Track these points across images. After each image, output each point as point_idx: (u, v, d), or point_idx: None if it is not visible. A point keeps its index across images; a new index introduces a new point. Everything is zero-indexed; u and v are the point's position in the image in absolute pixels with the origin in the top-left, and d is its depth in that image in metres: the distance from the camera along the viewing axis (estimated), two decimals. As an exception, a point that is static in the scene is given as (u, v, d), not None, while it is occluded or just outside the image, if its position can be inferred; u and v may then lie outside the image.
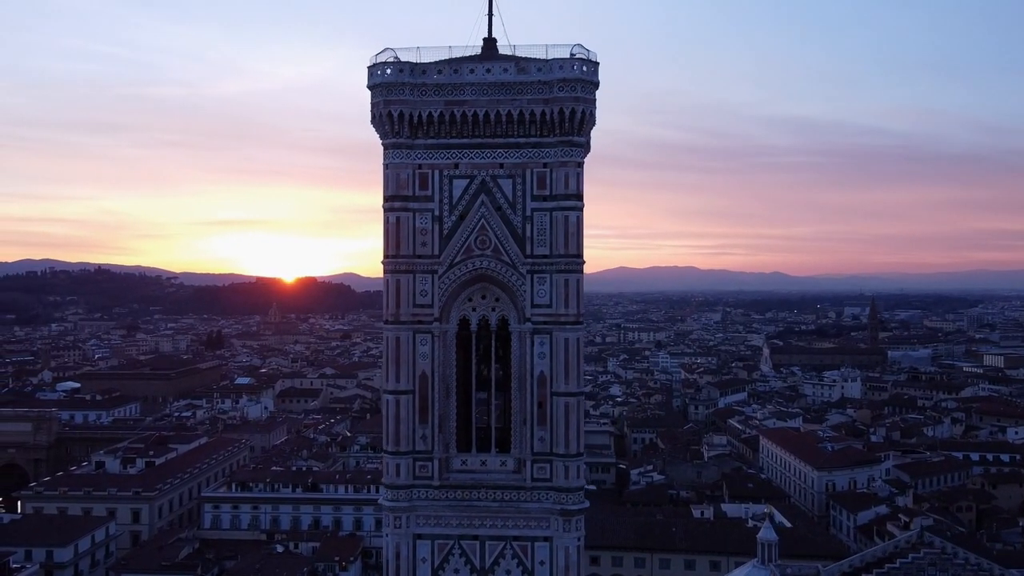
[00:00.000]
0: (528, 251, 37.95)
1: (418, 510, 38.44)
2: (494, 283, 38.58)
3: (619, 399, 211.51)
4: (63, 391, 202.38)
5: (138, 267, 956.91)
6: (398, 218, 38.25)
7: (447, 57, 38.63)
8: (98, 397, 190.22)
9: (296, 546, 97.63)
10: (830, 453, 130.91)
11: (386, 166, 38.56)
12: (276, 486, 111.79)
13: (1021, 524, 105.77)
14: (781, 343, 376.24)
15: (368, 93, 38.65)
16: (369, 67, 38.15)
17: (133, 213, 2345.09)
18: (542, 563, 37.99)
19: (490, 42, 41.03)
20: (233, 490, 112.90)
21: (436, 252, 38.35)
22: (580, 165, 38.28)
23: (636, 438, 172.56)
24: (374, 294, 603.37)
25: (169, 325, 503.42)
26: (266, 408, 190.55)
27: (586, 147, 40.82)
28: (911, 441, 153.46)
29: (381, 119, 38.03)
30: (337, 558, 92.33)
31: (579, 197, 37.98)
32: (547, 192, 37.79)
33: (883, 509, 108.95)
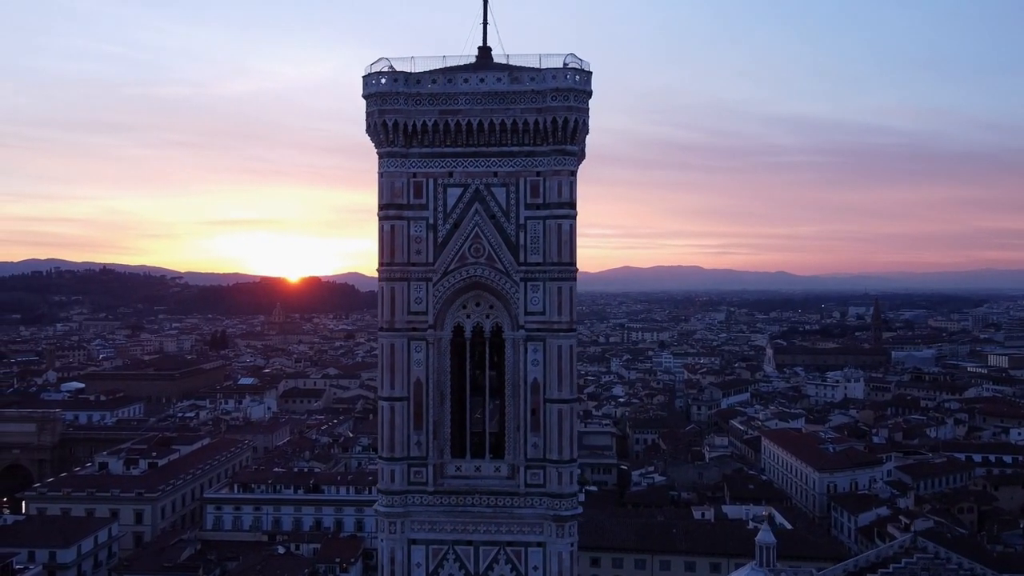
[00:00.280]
0: (521, 259, 38.27)
1: (413, 515, 38.79)
2: (488, 291, 38.89)
3: (621, 400, 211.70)
4: (67, 391, 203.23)
5: (143, 267, 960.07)
6: (393, 226, 38.61)
7: (441, 66, 38.99)
8: (102, 398, 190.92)
9: (297, 547, 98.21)
10: (831, 454, 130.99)
11: (381, 174, 38.92)
12: (278, 487, 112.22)
13: (1022, 526, 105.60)
14: (785, 343, 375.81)
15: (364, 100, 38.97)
16: (364, 77, 38.51)
17: (138, 213, 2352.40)
18: (536, 568, 38.30)
19: (485, 50, 41.40)
20: (235, 491, 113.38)
21: (431, 260, 38.69)
22: (573, 174, 38.61)
23: (638, 439, 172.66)
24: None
25: (174, 325, 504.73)
26: (269, 409, 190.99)
27: (580, 156, 41.09)
28: (913, 442, 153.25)
29: (376, 128, 38.40)
30: (338, 559, 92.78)
31: (572, 205, 38.30)
32: (540, 200, 38.11)
33: (884, 511, 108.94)
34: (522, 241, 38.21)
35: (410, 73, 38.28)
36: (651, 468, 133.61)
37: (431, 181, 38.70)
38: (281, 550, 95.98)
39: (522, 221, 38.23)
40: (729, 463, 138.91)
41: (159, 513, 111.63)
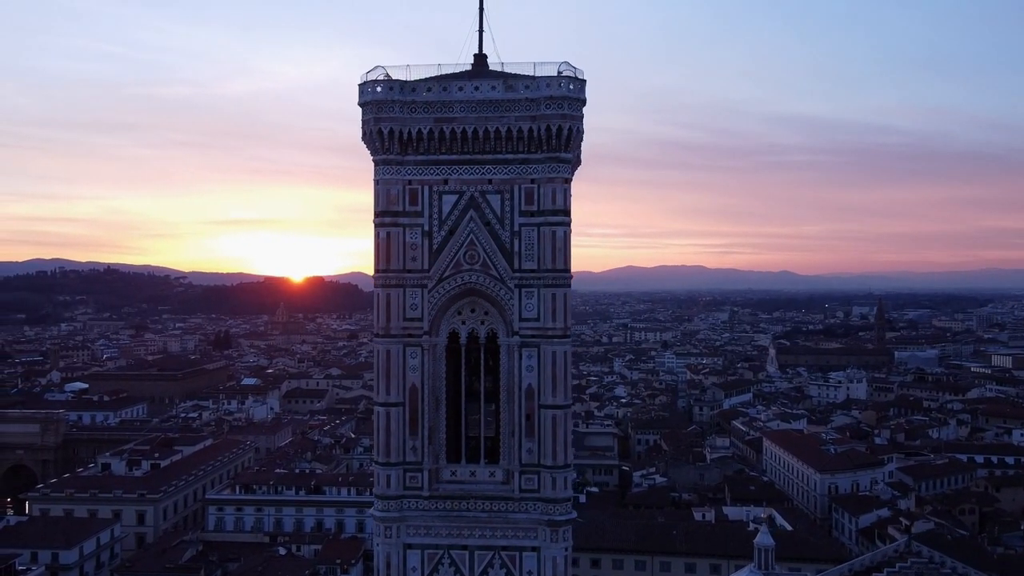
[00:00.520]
0: (516, 266, 38.45)
1: (408, 520, 39.03)
2: (483, 297, 39.12)
3: (624, 400, 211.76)
4: (71, 392, 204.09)
5: (147, 267, 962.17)
6: (388, 233, 38.84)
7: (437, 74, 39.19)
8: (105, 398, 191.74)
9: (298, 548, 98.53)
10: (833, 455, 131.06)
11: (377, 182, 39.14)
12: (279, 488, 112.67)
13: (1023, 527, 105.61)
14: (788, 343, 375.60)
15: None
16: (360, 85, 38.76)
17: (142, 213, 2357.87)
18: (530, 573, 38.48)
19: (480, 58, 41.58)
20: (237, 492, 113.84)
21: (426, 267, 38.92)
22: (567, 181, 38.81)
23: (640, 439, 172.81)
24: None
25: (177, 325, 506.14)
26: (272, 409, 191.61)
27: (575, 163, 41.31)
28: (915, 443, 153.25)
29: (371, 136, 38.65)
30: (339, 561, 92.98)
31: (566, 213, 38.49)
32: (535, 208, 38.29)
33: (885, 512, 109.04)
34: (517, 248, 38.41)
35: (405, 81, 38.50)
36: (652, 469, 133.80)
37: (426, 188, 38.94)
38: (282, 551, 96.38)
39: (517, 228, 38.42)
40: (730, 464, 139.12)
41: (161, 514, 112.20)
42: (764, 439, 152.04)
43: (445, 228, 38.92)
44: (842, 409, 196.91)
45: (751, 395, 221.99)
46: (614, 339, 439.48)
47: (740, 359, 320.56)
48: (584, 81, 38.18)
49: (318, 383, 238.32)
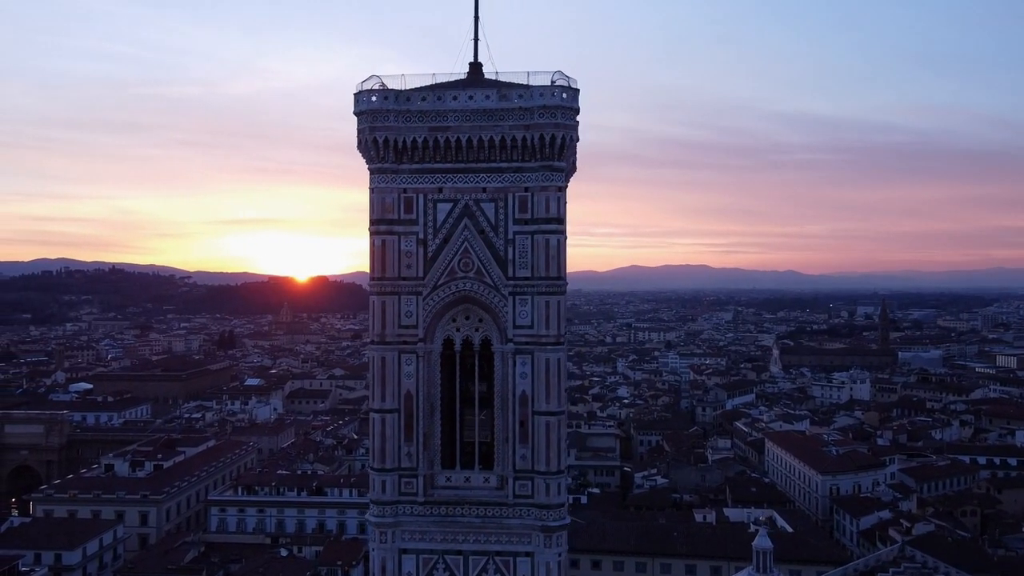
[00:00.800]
0: (510, 273, 38.82)
1: (403, 525, 39.44)
2: (477, 304, 39.48)
3: (626, 401, 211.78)
4: (75, 392, 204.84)
5: (152, 266, 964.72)
6: (384, 241, 39.24)
7: (431, 83, 39.53)
8: (110, 399, 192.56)
9: (300, 550, 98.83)
10: (834, 457, 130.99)
11: (372, 190, 39.57)
12: (281, 489, 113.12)
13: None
14: (792, 343, 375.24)
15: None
16: (355, 94, 39.18)
17: (148, 212, 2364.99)
18: (523, 577, 38.82)
19: (476, 66, 41.95)
20: (239, 493, 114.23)
21: (421, 274, 39.29)
22: (561, 189, 39.14)
23: (642, 440, 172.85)
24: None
25: (182, 325, 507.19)
26: (275, 410, 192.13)
27: (569, 170, 41.62)
28: (918, 444, 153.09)
29: (367, 145, 39.03)
30: (340, 562, 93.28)
31: (560, 221, 38.83)
32: (528, 216, 38.67)
33: (886, 514, 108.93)
34: (511, 256, 38.77)
35: (400, 91, 38.91)
36: (654, 470, 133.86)
37: (421, 197, 39.31)
38: (284, 552, 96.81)
39: (511, 236, 38.79)
40: (732, 465, 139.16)
41: (164, 515, 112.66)
42: (766, 440, 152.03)
43: (440, 236, 39.30)
44: (845, 410, 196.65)
45: (754, 396, 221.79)
46: (618, 339, 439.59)
47: (744, 359, 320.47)
48: (577, 90, 38.53)
49: (321, 383, 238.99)
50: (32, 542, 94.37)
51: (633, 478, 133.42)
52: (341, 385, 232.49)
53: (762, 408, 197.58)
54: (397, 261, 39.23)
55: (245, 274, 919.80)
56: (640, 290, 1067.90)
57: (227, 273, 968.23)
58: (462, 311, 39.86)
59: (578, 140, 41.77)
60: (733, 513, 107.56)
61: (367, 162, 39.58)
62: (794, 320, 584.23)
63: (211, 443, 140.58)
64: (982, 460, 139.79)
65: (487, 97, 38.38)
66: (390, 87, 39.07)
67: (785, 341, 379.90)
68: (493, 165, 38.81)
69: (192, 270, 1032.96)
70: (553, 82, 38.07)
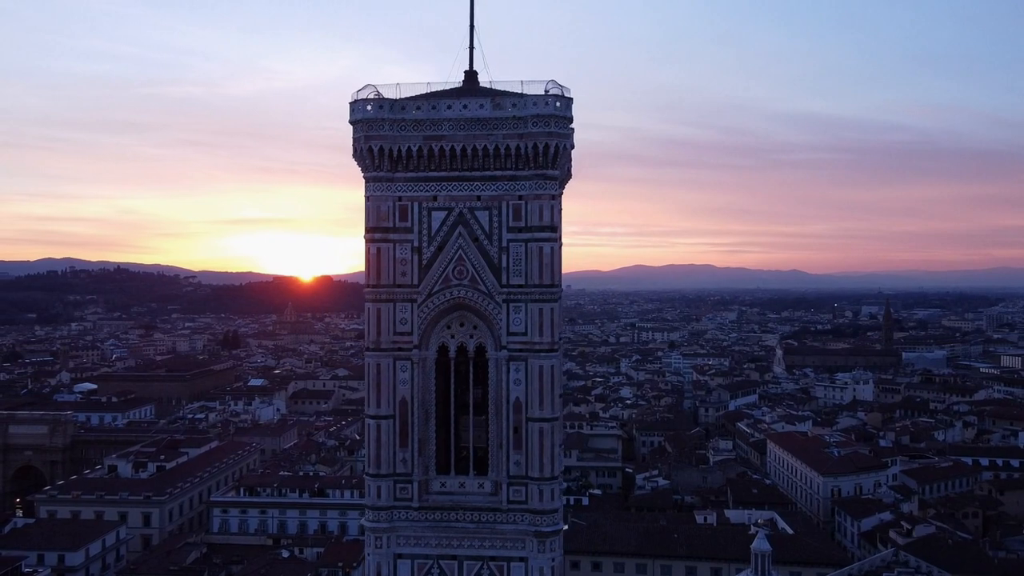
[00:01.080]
0: (504, 281, 39.05)
1: (398, 531, 39.72)
2: (471, 311, 39.74)
3: (629, 401, 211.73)
4: (80, 393, 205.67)
5: (157, 266, 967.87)
6: (379, 249, 39.53)
7: (426, 92, 39.84)
8: (114, 399, 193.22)
9: (301, 551, 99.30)
10: (836, 458, 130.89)
11: (367, 198, 39.84)
12: (283, 491, 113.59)
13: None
14: (796, 343, 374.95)
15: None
16: (350, 103, 39.47)
17: (153, 212, 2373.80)
18: (518, 582, 39.10)
19: (471, 74, 42.25)
20: (241, 495, 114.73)
21: (415, 282, 39.56)
22: (554, 197, 39.39)
23: (645, 441, 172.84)
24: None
25: (186, 324, 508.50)
26: (278, 410, 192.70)
27: (564, 177, 41.88)
28: (920, 446, 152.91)
29: (362, 154, 39.34)
30: (341, 564, 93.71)
31: (553, 229, 39.06)
32: (522, 224, 38.90)
33: (887, 516, 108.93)
34: (504, 263, 39.01)
35: (395, 100, 39.19)
36: (655, 472, 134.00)
37: (416, 205, 39.59)
38: (285, 554, 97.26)
39: (504, 244, 39.03)
40: (733, 467, 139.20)
41: (167, 516, 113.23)
42: (768, 441, 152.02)
43: (434, 244, 39.57)
44: (848, 411, 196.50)
45: (757, 396, 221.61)
46: (621, 339, 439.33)
47: (747, 359, 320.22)
48: (570, 99, 38.78)
49: (324, 384, 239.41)
50: (35, 543, 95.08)
51: (634, 479, 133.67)
52: (344, 386, 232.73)
53: (764, 409, 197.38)
54: (392, 268, 39.51)
55: (249, 274, 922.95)
56: (644, 290, 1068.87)
57: (231, 273, 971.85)
58: (457, 318, 40.13)
59: (572, 148, 42.07)
60: (734, 515, 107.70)
61: (363, 171, 39.88)
62: (798, 320, 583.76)
63: (214, 444, 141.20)
64: (984, 462, 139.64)
65: (481, 106, 38.62)
66: (385, 96, 39.37)
67: (789, 341, 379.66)
68: (487, 174, 39.06)
69: (197, 270, 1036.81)
70: (546, 91, 38.31)
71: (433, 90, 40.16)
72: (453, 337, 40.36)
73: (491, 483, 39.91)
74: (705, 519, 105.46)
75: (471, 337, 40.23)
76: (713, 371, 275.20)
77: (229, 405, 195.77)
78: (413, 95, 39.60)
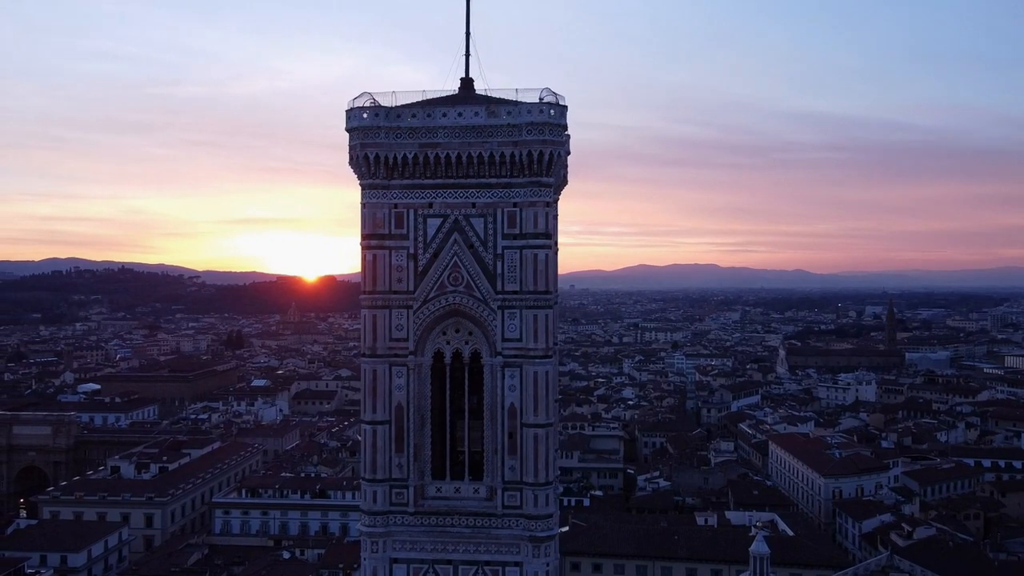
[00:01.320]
0: (499, 287, 39.35)
1: (394, 535, 40.04)
2: (467, 318, 40.04)
3: (631, 402, 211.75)
4: (83, 393, 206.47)
5: (161, 266, 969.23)
6: (375, 255, 39.83)
7: (422, 99, 40.11)
8: (117, 400, 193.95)
9: (303, 552, 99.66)
10: (837, 460, 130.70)
11: (363, 205, 40.17)
12: (285, 492, 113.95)
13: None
14: (799, 343, 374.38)
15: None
16: (347, 111, 39.79)
17: (157, 212, 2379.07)
18: (512, 587, 39.34)
19: (467, 82, 42.52)
20: (243, 496, 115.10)
21: (411, 288, 39.86)
22: (549, 205, 39.66)
23: (647, 442, 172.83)
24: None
25: (190, 324, 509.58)
26: (281, 411, 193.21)
27: (560, 184, 42.11)
28: (922, 447, 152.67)
29: (358, 161, 39.64)
30: (342, 565, 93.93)
31: (548, 236, 39.34)
32: (517, 231, 39.18)
33: (888, 517, 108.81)
34: (499, 270, 39.29)
35: (391, 108, 39.49)
36: (656, 473, 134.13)
37: (412, 212, 39.90)
38: (287, 555, 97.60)
39: (499, 251, 39.31)
40: (734, 468, 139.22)
41: (169, 517, 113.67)
42: (769, 442, 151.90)
43: (430, 250, 39.87)
44: (850, 412, 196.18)
45: (759, 397, 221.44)
46: (624, 339, 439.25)
47: (750, 360, 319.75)
48: (565, 107, 39.04)
49: (327, 384, 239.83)
50: (38, 544, 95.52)
51: (636, 481, 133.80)
52: (347, 386, 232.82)
53: (767, 410, 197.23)
54: (388, 275, 39.81)
55: (254, 273, 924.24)
56: (648, 289, 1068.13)
57: (236, 272, 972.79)
58: (452, 324, 40.41)
59: (568, 155, 42.30)
60: (735, 516, 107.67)
61: (359, 178, 40.19)
62: (802, 320, 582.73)
63: (216, 445, 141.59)
64: (986, 463, 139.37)
65: (476, 114, 38.92)
66: (381, 103, 39.67)
67: (792, 342, 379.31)
68: (482, 181, 39.35)
69: (201, 270, 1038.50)
70: (541, 99, 38.59)
71: (429, 97, 40.44)
72: (448, 343, 40.66)
73: (486, 488, 40.19)
74: (706, 521, 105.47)
75: (466, 343, 40.51)
76: (716, 372, 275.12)
77: (232, 406, 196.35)
78: (409, 103, 39.92)
